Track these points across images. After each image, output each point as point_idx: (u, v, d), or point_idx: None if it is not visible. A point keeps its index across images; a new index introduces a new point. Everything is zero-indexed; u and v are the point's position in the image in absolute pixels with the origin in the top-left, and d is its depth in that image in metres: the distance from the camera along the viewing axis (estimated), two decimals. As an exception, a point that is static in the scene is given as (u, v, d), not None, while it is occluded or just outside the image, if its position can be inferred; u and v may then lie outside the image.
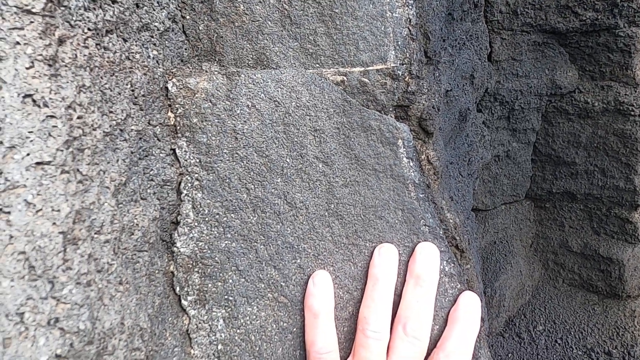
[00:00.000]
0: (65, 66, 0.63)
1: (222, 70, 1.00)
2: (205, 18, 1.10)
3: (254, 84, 0.97)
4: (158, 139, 0.89)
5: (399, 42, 1.03)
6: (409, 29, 1.05)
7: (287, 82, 0.97)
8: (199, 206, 0.95)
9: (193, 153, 0.96)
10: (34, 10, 0.59)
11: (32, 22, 0.58)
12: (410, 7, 1.05)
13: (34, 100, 0.59)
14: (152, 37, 0.91)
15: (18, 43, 0.58)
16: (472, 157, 1.21)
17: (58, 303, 0.56)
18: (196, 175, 0.95)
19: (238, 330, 0.94)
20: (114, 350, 0.64)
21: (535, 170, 2.62)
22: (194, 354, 0.91)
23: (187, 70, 1.02)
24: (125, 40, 0.78)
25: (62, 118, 0.60)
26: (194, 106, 0.96)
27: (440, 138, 1.13)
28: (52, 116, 0.60)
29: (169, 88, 0.97)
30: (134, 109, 0.80)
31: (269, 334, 0.94)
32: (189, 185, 0.95)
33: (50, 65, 0.60)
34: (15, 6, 0.57)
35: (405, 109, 1.05)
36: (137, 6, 0.86)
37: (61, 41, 0.62)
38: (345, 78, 1.05)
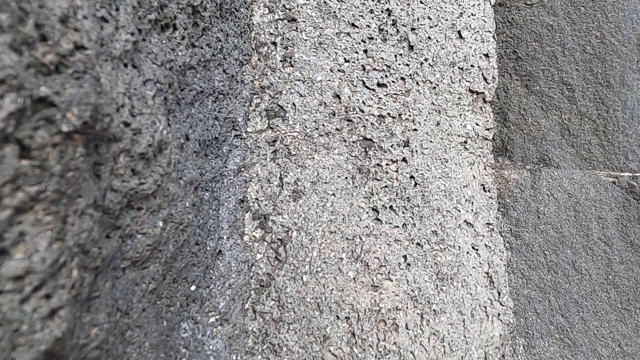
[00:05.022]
0: (491, 167, 1.08)
1: (523, 166, 1.42)
2: (500, 125, 1.54)
3: (552, 179, 1.37)
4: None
5: (664, 158, 1.36)
6: (673, 149, 1.38)
7: (578, 180, 1.35)
8: (509, 262, 1.33)
9: (506, 224, 1.36)
10: (487, 137, 1.06)
11: (487, 145, 1.05)
12: (674, 133, 1.39)
13: (483, 187, 1.04)
14: (493, 142, 1.37)
15: (479, 155, 1.05)
16: None
17: (500, 305, 0.96)
18: (507, 239, 1.35)
19: (534, 357, 1.27)
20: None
21: None
22: (503, 368, 1.25)
23: (497, 164, 1.45)
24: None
25: (494, 199, 1.05)
26: (507, 190, 1.38)
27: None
28: (491, 197, 1.04)
29: (489, 176, 1.39)
30: (484, 195, 1.24)
31: (557, 366, 1.26)
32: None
33: (490, 168, 1.06)
34: (483, 137, 1.05)
35: (668, 209, 1.36)
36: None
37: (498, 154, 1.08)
38: (616, 180, 1.40)
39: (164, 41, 0.56)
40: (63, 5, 0.33)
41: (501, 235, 1.36)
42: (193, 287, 0.74)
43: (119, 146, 0.42)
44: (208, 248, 0.80)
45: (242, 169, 0.94)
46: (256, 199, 0.95)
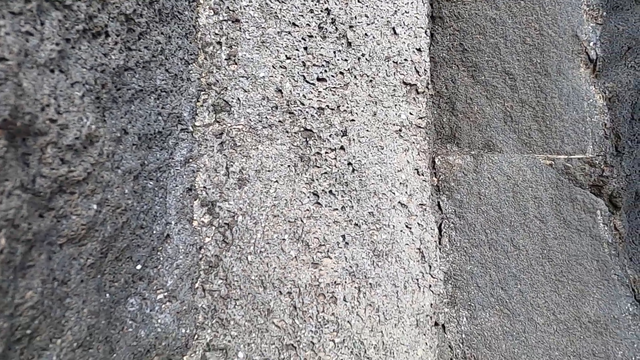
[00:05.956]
0: (424, 153, 1.18)
1: (469, 152, 1.52)
2: (448, 114, 1.64)
3: (493, 163, 1.48)
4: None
5: (596, 139, 1.48)
6: (604, 130, 1.50)
7: (516, 163, 1.46)
8: (453, 240, 1.44)
9: (450, 205, 1.46)
10: (421, 125, 1.16)
11: (420, 132, 1.15)
12: (605, 114, 1.51)
13: (417, 171, 1.14)
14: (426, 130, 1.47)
15: (413, 142, 1.15)
16: (641, 229, 1.57)
17: (431, 277, 1.07)
18: (452, 220, 1.45)
19: (476, 327, 1.38)
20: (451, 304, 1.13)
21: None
22: (447, 336, 1.36)
23: (444, 150, 1.55)
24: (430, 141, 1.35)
25: (428, 182, 1.15)
26: (452, 175, 1.48)
27: (624, 211, 1.53)
28: (424, 180, 1.14)
29: (436, 162, 1.50)
30: (418, 178, 1.34)
31: (496, 333, 1.37)
32: (447, 226, 1.45)
33: (424, 153, 1.16)
34: (416, 125, 1.14)
35: (599, 188, 1.48)
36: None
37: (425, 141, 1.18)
38: (553, 162, 1.51)
39: (95, 47, 0.64)
40: (-15, 24, 0.41)
41: (441, 214, 1.47)
42: (139, 266, 0.83)
43: (46, 139, 0.50)
44: (154, 232, 0.89)
45: (190, 160, 1.03)
46: (204, 187, 1.04)
